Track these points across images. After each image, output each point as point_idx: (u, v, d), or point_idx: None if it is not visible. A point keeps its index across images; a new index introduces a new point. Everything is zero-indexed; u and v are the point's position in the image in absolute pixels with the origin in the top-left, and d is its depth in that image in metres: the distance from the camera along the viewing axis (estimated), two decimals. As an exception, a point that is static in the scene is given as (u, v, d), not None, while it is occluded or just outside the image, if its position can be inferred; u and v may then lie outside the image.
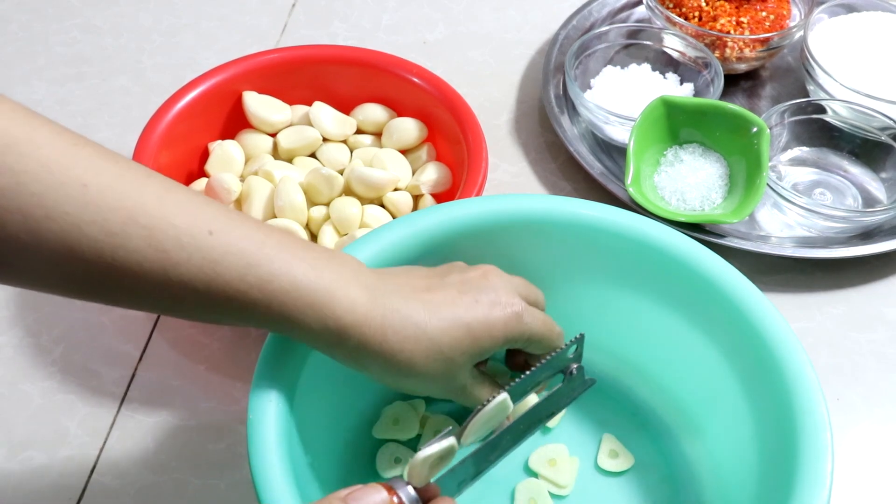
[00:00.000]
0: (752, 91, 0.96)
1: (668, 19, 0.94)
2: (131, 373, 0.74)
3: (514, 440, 0.57)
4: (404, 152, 0.84)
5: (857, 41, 0.91)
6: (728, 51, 0.93)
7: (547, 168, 0.89)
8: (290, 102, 0.85)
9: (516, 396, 0.56)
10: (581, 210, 0.65)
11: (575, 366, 0.60)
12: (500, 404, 0.54)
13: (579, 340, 0.59)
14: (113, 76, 0.96)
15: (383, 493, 0.48)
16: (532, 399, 0.61)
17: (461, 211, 0.65)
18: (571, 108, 0.91)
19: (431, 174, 0.81)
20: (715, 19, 0.93)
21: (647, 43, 0.94)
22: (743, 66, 0.95)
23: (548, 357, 0.58)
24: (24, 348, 0.75)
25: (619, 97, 0.90)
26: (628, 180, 0.82)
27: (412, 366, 0.54)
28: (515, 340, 0.58)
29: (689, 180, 0.84)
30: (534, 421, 0.58)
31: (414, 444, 0.67)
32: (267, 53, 0.85)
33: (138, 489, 0.68)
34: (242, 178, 0.80)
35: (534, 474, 0.66)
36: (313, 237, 0.78)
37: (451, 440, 0.50)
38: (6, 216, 0.46)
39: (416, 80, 0.84)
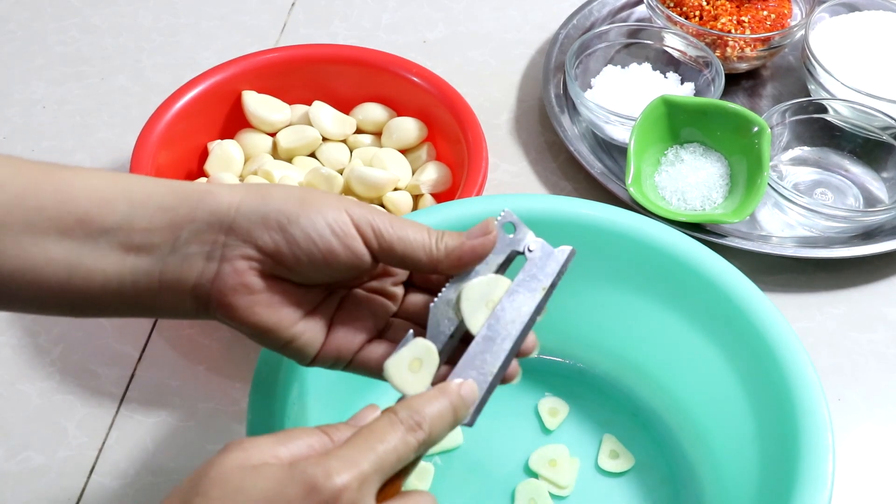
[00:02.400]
0: (753, 90, 0.96)
1: (669, 18, 0.93)
2: (130, 373, 0.74)
3: (521, 325, 0.52)
4: (404, 152, 0.84)
5: (859, 40, 0.91)
6: (729, 50, 0.92)
7: (547, 168, 0.89)
8: (290, 102, 0.85)
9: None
10: (581, 210, 0.65)
11: (527, 241, 0.53)
12: (445, 300, 0.51)
13: (505, 216, 0.53)
14: (112, 76, 0.96)
15: (377, 410, 0.47)
16: (503, 283, 0.53)
17: (461, 211, 0.64)
18: (572, 108, 0.91)
19: (431, 174, 0.81)
20: (716, 18, 0.93)
21: (648, 42, 0.94)
22: (744, 66, 0.95)
23: None
24: (23, 348, 0.75)
25: (620, 96, 0.90)
26: (629, 180, 0.82)
27: None
28: None
29: (690, 180, 0.84)
30: (524, 300, 0.52)
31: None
32: (266, 53, 0.85)
33: (137, 490, 0.67)
34: (242, 178, 0.80)
35: (534, 475, 0.66)
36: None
37: (420, 340, 0.49)
38: None
39: (416, 79, 0.84)
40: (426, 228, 0.51)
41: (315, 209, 0.49)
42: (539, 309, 0.53)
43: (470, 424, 0.49)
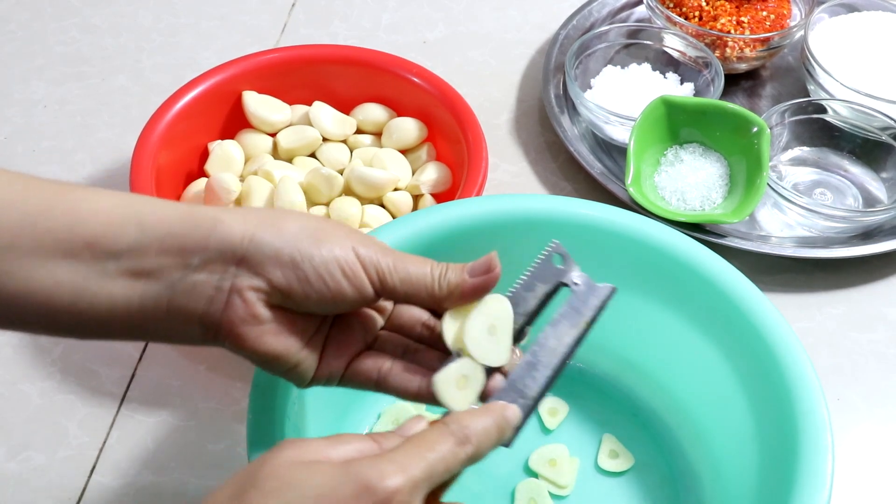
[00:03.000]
0: (752, 91, 0.96)
1: (669, 19, 0.94)
2: (131, 373, 0.74)
3: (561, 354, 0.53)
4: (404, 152, 0.84)
5: (858, 41, 0.91)
6: (728, 50, 0.92)
7: (547, 168, 0.89)
8: (290, 102, 0.85)
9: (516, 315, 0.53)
10: (581, 210, 0.65)
11: (573, 274, 0.55)
12: (494, 305, 0.52)
13: (555, 248, 0.54)
14: (112, 76, 0.96)
15: (423, 420, 0.48)
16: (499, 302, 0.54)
17: (461, 211, 0.65)
18: (572, 108, 0.91)
19: (431, 174, 0.81)
20: (715, 19, 0.93)
21: (648, 42, 0.94)
22: (743, 66, 0.95)
23: (530, 270, 0.54)
24: (24, 348, 0.75)
25: (620, 97, 0.90)
26: (628, 180, 0.82)
27: None
28: None
29: (690, 180, 0.84)
30: (567, 330, 0.54)
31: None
32: (267, 53, 0.85)
33: (138, 489, 0.68)
34: (242, 178, 0.80)
35: (534, 474, 0.66)
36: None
37: (466, 359, 0.50)
38: None
39: (416, 80, 0.84)
40: (429, 265, 0.51)
41: (327, 248, 0.49)
42: (579, 341, 0.54)
43: (508, 445, 0.50)
